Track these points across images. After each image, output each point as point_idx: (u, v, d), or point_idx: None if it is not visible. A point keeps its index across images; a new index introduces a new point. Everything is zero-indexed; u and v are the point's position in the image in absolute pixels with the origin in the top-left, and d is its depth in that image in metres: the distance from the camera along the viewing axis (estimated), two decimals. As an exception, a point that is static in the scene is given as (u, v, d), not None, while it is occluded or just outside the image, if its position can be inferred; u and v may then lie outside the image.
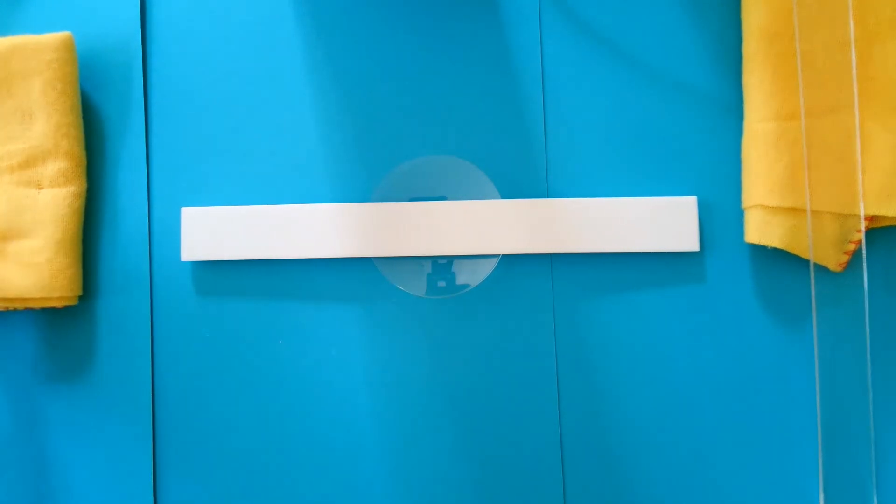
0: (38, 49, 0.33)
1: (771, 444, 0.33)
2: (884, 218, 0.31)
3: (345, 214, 0.33)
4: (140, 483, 0.34)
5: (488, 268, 0.34)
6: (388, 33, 0.35)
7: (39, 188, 0.33)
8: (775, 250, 0.33)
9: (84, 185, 0.34)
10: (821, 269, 0.33)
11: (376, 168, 0.34)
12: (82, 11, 0.35)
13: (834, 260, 0.31)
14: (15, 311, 0.34)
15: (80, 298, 0.34)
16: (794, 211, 0.31)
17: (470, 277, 0.34)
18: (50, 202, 0.33)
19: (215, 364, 0.34)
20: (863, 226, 0.31)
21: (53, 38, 0.33)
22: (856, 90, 0.31)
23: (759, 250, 0.33)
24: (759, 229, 0.31)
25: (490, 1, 0.35)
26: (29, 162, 0.33)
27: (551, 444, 0.33)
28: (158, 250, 0.34)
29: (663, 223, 0.33)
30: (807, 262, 0.33)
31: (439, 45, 0.35)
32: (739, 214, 0.33)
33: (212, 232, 0.33)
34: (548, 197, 0.34)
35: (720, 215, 0.33)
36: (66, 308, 0.34)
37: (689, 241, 0.33)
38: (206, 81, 0.35)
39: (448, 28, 0.35)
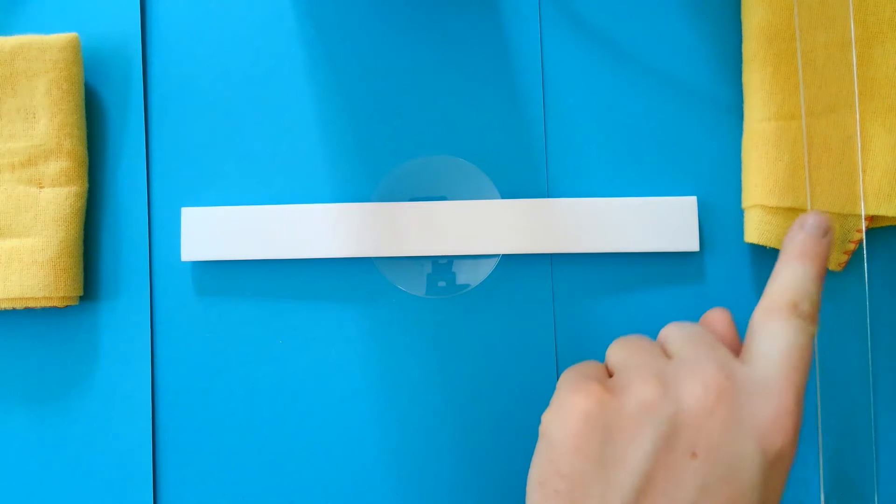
0: (45, 49, 0.33)
1: (771, 445, 0.32)
2: (884, 218, 0.31)
3: (345, 214, 0.33)
4: (140, 483, 0.34)
5: (488, 268, 0.34)
6: (388, 33, 0.35)
7: (40, 187, 0.33)
8: (775, 250, 0.33)
9: (86, 186, 0.34)
10: (821, 269, 0.33)
11: (376, 168, 0.34)
12: (82, 11, 0.35)
13: (834, 260, 0.31)
14: (14, 310, 0.34)
15: (81, 298, 0.34)
16: (794, 211, 0.31)
17: (470, 277, 0.34)
18: (52, 201, 0.33)
19: (215, 364, 0.34)
20: (863, 226, 0.30)
21: (60, 38, 0.33)
22: (856, 90, 0.31)
23: (759, 250, 0.33)
24: (759, 229, 0.31)
25: (490, 1, 0.35)
26: (31, 160, 0.33)
27: (551, 444, 0.33)
28: (158, 250, 0.34)
29: (663, 223, 0.33)
30: (807, 262, 0.33)
31: (439, 45, 0.35)
32: (739, 214, 0.33)
33: (212, 232, 0.33)
34: (548, 197, 0.34)
35: (720, 215, 0.33)
36: (66, 308, 0.34)
37: (689, 241, 0.33)
38: (206, 81, 0.35)
39: (448, 28, 0.35)
